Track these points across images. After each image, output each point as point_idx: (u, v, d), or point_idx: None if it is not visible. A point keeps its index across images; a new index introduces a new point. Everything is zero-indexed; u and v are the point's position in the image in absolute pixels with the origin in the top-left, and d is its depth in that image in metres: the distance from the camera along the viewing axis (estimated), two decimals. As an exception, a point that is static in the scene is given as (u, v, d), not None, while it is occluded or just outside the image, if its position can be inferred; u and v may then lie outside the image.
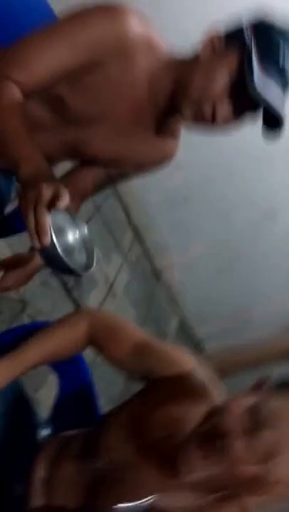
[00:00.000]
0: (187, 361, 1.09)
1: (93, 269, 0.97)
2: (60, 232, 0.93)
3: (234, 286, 3.73)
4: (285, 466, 0.86)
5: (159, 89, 1.16)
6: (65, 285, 2.70)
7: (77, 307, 2.75)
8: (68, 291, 2.72)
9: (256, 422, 0.86)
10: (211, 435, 0.87)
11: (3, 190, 1.36)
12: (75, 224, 0.98)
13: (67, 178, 1.35)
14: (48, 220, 0.84)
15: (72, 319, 1.18)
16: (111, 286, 3.22)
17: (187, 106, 1.12)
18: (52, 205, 0.85)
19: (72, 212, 0.98)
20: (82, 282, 2.88)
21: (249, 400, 0.90)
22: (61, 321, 1.18)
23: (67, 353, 1.15)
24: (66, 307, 2.65)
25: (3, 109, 1.02)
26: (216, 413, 0.91)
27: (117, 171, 1.36)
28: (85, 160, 1.32)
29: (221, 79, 1.08)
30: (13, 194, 1.39)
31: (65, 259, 0.87)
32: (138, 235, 3.83)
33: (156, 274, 3.93)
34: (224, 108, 1.10)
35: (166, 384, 1.06)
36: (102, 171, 1.34)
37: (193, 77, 1.11)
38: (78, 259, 0.96)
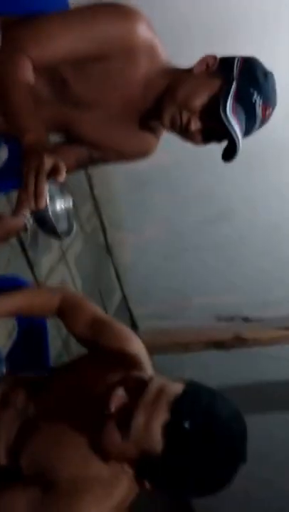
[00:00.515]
0: (131, 339, 1.27)
1: (70, 237, 1.13)
2: (51, 200, 1.08)
3: (179, 274, 3.92)
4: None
5: (151, 89, 1.30)
6: (22, 244, 2.80)
7: (30, 266, 2.86)
8: (24, 251, 2.82)
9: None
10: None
11: None
12: (63, 196, 1.13)
13: (53, 150, 1.46)
14: (46, 186, 0.99)
15: (54, 291, 1.45)
16: (64, 253, 3.34)
17: (168, 110, 1.27)
18: (50, 175, 0.99)
19: (63, 185, 1.12)
20: (38, 244, 2.98)
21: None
22: (45, 290, 1.52)
23: (37, 314, 1.34)
24: (20, 265, 2.76)
25: (17, 82, 1.13)
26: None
27: (98, 155, 1.49)
28: (71, 139, 1.45)
29: (203, 96, 1.23)
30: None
31: (54, 222, 1.03)
32: (97, 208, 3.95)
33: (109, 249, 4.07)
34: (196, 124, 1.25)
35: (109, 353, 1.23)
36: (86, 152, 1.47)
37: (182, 85, 1.26)
38: (61, 226, 1.12)
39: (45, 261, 3.06)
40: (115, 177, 3.83)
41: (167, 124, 1.28)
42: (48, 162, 0.99)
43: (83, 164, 1.52)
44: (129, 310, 4.29)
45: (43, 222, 1.05)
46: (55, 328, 2.57)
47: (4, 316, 1.32)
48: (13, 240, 2.72)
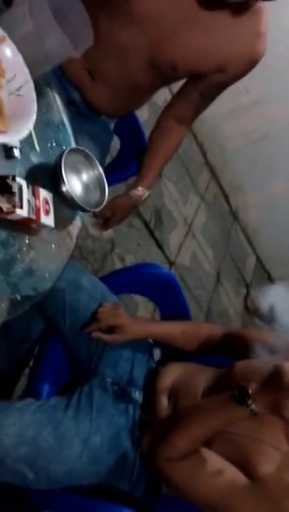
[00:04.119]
0: None
1: (104, 204, 1.09)
2: (76, 171, 1.07)
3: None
4: None
5: None
6: (147, 226, 2.83)
7: (159, 247, 2.88)
8: (151, 232, 2.84)
9: None
10: None
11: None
12: (90, 165, 1.10)
13: (168, 113, 1.41)
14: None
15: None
16: (190, 226, 3.31)
17: None
18: None
19: (89, 153, 1.09)
20: (163, 222, 2.99)
21: None
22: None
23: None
24: (149, 246, 2.79)
25: None
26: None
27: (205, 86, 1.30)
28: (168, 74, 1.27)
29: None
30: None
31: (77, 200, 1.01)
32: (214, 175, 3.84)
33: (234, 214, 3.96)
34: None
35: None
36: (193, 93, 1.33)
37: None
38: (92, 197, 1.09)
39: (173, 237, 3.06)
40: (227, 139, 3.68)
41: None
42: None
43: (198, 107, 1.36)
44: (267, 272, 4.15)
45: (66, 200, 1.01)
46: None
47: (153, 337, 1.31)
48: (139, 224, 2.76)
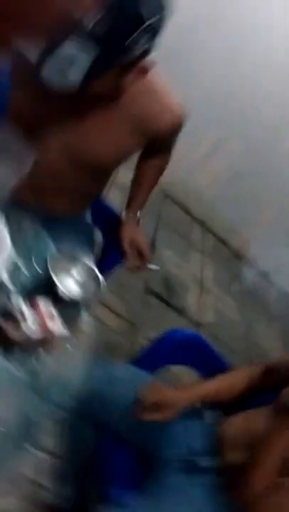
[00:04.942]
0: None
1: (103, 287, 1.14)
2: (67, 270, 1.12)
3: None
4: None
5: None
6: (161, 298, 2.83)
7: (180, 313, 2.86)
8: (167, 303, 2.85)
9: None
10: None
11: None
12: (78, 259, 1.16)
13: (137, 181, 1.50)
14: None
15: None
16: (201, 283, 3.31)
17: None
18: None
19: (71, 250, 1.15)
20: (175, 289, 3.00)
21: None
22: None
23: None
24: (170, 316, 2.78)
25: None
26: None
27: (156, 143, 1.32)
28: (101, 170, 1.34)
29: None
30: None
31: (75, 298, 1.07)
32: (205, 227, 3.91)
33: (237, 255, 3.97)
34: None
35: None
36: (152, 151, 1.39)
37: None
38: (88, 286, 1.13)
39: (190, 300, 3.06)
40: (203, 189, 3.78)
41: None
42: None
43: (168, 144, 1.41)
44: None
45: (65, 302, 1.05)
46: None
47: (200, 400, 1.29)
48: (153, 299, 2.76)
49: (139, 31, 0.92)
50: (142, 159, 1.47)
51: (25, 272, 1.08)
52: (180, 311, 2.88)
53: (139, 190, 1.51)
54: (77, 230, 1.44)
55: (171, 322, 2.73)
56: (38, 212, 1.35)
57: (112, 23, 0.87)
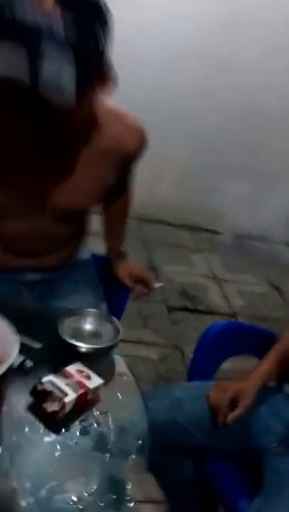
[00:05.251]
0: None
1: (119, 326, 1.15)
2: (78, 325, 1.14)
3: None
4: None
5: None
6: (187, 309, 2.81)
7: (209, 313, 2.83)
8: (195, 310, 2.82)
9: None
10: None
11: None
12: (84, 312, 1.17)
13: (109, 223, 1.48)
14: None
15: None
16: (214, 275, 3.29)
17: None
18: None
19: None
20: (195, 295, 2.98)
21: None
22: None
23: None
24: (202, 322, 2.75)
25: None
26: None
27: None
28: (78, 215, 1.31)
29: None
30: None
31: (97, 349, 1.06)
32: (187, 226, 3.91)
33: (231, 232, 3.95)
34: None
35: None
36: (117, 194, 1.37)
37: None
38: (107, 331, 1.14)
39: (212, 297, 3.04)
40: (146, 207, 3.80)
41: None
42: None
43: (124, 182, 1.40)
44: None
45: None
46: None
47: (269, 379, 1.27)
48: (180, 314, 2.74)
49: (104, 27, 0.84)
50: (106, 200, 1.42)
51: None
52: (210, 312, 2.85)
53: (115, 230, 1.51)
54: (82, 274, 1.43)
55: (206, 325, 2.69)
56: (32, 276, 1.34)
57: (79, 25, 0.80)
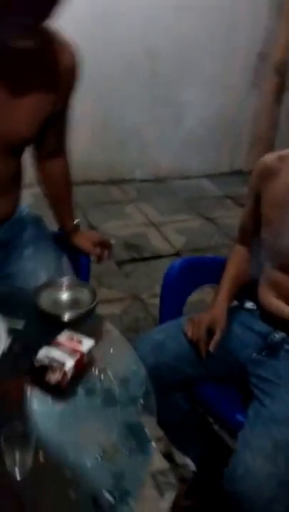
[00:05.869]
0: None
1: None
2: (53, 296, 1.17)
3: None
4: None
5: None
6: (135, 259, 2.87)
7: (158, 258, 2.91)
8: (142, 259, 2.88)
9: None
10: None
11: None
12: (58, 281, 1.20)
13: (40, 159, 1.45)
14: None
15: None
16: (152, 223, 3.35)
17: None
18: None
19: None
20: (138, 244, 3.03)
21: None
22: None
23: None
24: (155, 266, 2.83)
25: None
26: None
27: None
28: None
29: None
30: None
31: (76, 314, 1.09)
32: (112, 181, 3.91)
33: (157, 179, 4.00)
34: None
35: None
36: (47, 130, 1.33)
37: None
38: (84, 297, 1.17)
39: (155, 241, 3.10)
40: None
41: None
42: None
43: (59, 132, 1.40)
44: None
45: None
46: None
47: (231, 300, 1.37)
48: (131, 265, 2.80)
49: None
50: (44, 172, 1.47)
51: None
52: (157, 256, 2.93)
53: (62, 202, 1.53)
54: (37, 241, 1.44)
55: (159, 269, 2.77)
56: None
57: None
